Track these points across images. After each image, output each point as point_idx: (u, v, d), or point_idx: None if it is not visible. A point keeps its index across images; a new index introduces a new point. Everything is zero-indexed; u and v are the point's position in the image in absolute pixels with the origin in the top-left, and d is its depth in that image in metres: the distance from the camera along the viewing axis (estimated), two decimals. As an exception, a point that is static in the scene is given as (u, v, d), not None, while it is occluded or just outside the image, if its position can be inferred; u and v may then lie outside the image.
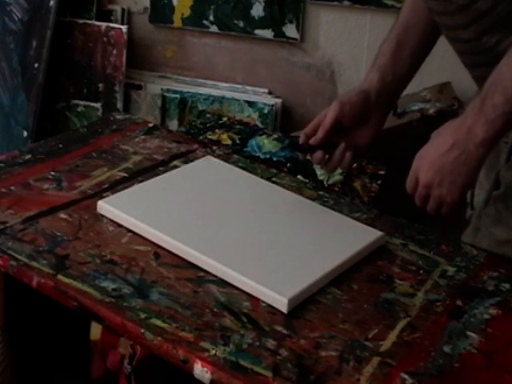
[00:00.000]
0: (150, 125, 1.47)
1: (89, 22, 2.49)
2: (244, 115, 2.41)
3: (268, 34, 2.45)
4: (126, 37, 2.46)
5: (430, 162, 1.08)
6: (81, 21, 2.48)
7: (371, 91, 1.26)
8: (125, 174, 1.27)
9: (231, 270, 1.01)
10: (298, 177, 1.48)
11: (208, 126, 2.17)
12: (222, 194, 1.21)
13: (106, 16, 2.53)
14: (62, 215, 1.13)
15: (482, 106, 1.04)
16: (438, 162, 1.07)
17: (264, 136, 1.19)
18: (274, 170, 1.36)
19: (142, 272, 1.02)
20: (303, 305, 0.99)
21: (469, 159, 1.06)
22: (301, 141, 1.24)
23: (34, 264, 1.01)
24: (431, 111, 2.13)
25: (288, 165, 1.91)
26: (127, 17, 2.58)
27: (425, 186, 1.10)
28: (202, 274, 1.03)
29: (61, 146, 1.35)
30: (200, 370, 0.87)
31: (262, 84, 2.51)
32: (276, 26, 2.44)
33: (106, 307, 0.95)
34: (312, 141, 1.23)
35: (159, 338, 0.90)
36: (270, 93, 2.50)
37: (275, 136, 1.22)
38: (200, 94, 2.49)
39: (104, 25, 2.47)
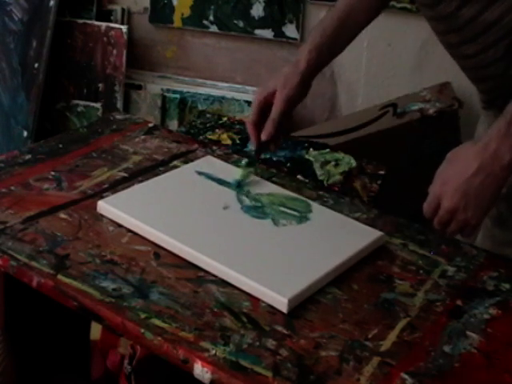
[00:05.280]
0: (150, 125, 1.47)
1: (89, 22, 2.49)
2: (244, 115, 2.41)
3: (268, 33, 2.46)
4: (125, 37, 2.46)
5: (454, 188, 1.08)
6: (81, 21, 2.49)
7: (307, 72, 1.28)
8: (125, 174, 1.27)
9: (231, 270, 1.01)
10: (298, 177, 1.48)
11: (208, 125, 2.17)
12: (222, 194, 1.21)
13: (106, 16, 2.54)
14: (62, 215, 1.13)
15: (508, 130, 1.05)
16: (463, 187, 1.07)
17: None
18: (274, 170, 1.36)
19: (142, 272, 1.02)
20: (303, 305, 0.99)
21: (494, 182, 1.06)
22: (251, 132, 1.29)
23: (34, 264, 1.01)
24: (431, 111, 2.13)
25: (288, 165, 1.91)
26: (127, 17, 2.58)
27: (449, 211, 1.09)
28: (201, 273, 1.03)
29: (61, 145, 1.35)
30: (200, 369, 0.87)
31: (262, 84, 2.51)
32: (276, 26, 2.44)
33: (106, 307, 0.95)
34: (264, 136, 1.27)
35: (159, 338, 0.90)
36: (270, 93, 2.50)
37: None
38: (200, 93, 2.49)
39: (104, 25, 2.47)
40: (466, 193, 1.07)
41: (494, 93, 1.23)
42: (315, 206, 1.22)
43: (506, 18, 1.11)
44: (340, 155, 1.90)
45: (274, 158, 1.96)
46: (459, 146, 1.12)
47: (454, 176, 1.08)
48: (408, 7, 2.32)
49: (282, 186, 1.27)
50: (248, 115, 1.34)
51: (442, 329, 0.98)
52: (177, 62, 2.60)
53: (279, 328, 0.95)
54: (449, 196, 1.09)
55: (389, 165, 1.95)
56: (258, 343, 0.91)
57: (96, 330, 1.32)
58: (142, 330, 0.91)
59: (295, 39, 2.43)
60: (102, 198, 1.17)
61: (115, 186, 1.23)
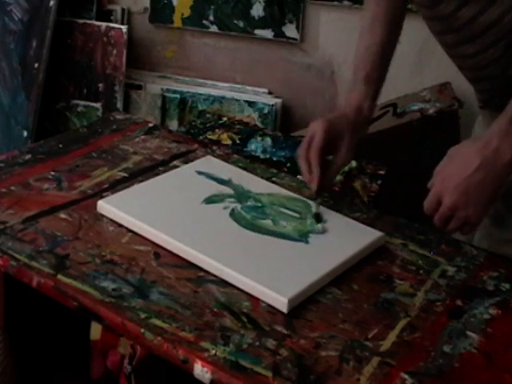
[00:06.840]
0: (150, 125, 1.48)
1: (89, 21, 2.49)
2: (244, 115, 2.41)
3: (268, 33, 2.45)
4: (125, 37, 2.46)
5: (455, 185, 1.08)
6: (81, 21, 2.48)
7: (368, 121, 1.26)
8: (125, 174, 1.27)
9: (231, 270, 1.01)
10: (298, 177, 1.47)
11: (208, 125, 2.17)
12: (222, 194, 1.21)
13: (106, 16, 2.54)
14: (62, 215, 1.13)
15: (509, 127, 1.05)
16: (464, 185, 1.07)
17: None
18: (274, 170, 1.36)
19: (142, 272, 1.02)
20: (303, 305, 0.99)
21: (495, 179, 1.07)
22: (317, 160, 1.18)
23: (34, 264, 1.01)
24: (431, 111, 2.13)
25: (288, 165, 1.91)
26: (127, 17, 2.58)
27: (450, 208, 1.09)
28: (201, 273, 1.03)
29: (61, 146, 1.35)
30: (200, 369, 0.87)
31: (262, 84, 2.51)
32: (276, 26, 2.44)
33: (106, 307, 0.95)
34: (329, 180, 1.22)
35: (159, 338, 0.90)
36: (269, 93, 2.50)
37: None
38: (200, 93, 2.49)
39: (104, 25, 2.47)
40: (467, 190, 1.07)
41: (492, 92, 1.23)
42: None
43: (506, 18, 1.11)
44: (340, 155, 1.89)
45: (274, 158, 1.97)
46: (460, 144, 1.12)
47: (455, 173, 1.08)
48: (408, 7, 2.31)
49: (282, 186, 1.28)
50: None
51: (442, 329, 0.98)
52: (177, 61, 2.60)
53: (279, 328, 0.95)
54: (450, 193, 1.09)
55: (389, 165, 1.96)
56: (257, 343, 0.91)
57: (96, 330, 1.32)
58: (142, 330, 0.91)
59: (295, 39, 2.43)
60: (102, 197, 1.17)
61: (115, 185, 1.23)
